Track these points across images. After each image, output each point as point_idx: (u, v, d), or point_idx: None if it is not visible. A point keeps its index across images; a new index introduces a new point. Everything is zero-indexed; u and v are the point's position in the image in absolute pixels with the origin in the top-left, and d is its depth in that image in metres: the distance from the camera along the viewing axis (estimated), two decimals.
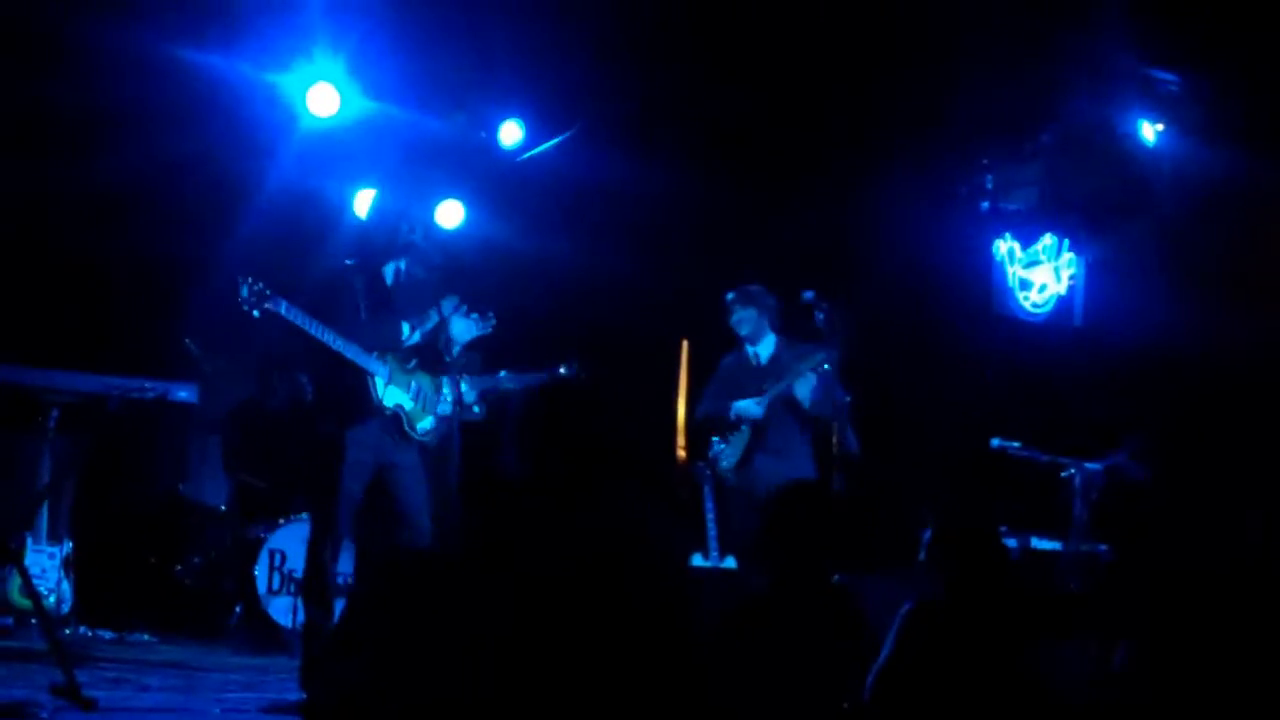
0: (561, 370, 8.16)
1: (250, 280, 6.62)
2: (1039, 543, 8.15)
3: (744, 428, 8.15)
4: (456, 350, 7.75)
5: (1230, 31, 8.48)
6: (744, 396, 8.14)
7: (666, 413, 8.79)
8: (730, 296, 8.28)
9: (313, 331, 6.83)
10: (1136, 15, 8.50)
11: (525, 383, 8.14)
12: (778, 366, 8.16)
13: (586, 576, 3.76)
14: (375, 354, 7.14)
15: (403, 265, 7.44)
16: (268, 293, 6.63)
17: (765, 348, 8.25)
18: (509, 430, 5.27)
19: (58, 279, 8.60)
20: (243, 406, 8.93)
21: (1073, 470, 8.12)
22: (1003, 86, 9.17)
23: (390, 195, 7.97)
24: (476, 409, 7.89)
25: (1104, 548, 8.04)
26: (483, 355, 8.21)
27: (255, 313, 6.64)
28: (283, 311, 6.69)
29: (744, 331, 8.25)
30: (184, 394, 8.33)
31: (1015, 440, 8.26)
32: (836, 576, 5.09)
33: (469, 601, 6.65)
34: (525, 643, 3.92)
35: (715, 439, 8.26)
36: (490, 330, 8.11)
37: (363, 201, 8.87)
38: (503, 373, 8.02)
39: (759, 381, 8.17)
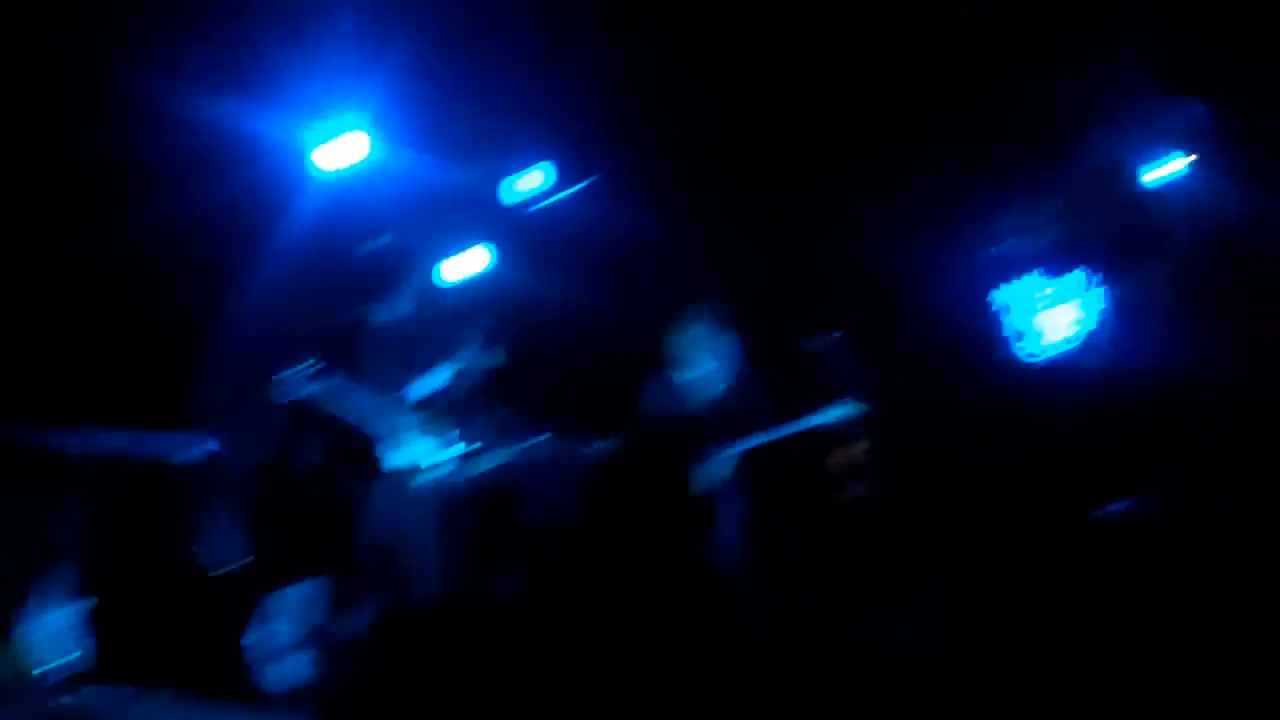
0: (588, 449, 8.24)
1: (291, 366, 6.81)
2: None
3: (731, 455, 8.05)
4: (474, 403, 7.82)
5: (1250, 67, 8.39)
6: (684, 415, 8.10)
7: None
8: (689, 310, 8.25)
9: (348, 400, 6.97)
10: (1156, 51, 8.42)
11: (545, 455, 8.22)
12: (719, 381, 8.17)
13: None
14: (395, 409, 7.21)
15: (416, 314, 7.51)
16: (314, 368, 6.81)
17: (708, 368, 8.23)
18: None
19: (78, 336, 8.63)
20: (265, 465, 8.95)
21: (1096, 514, 8.03)
22: (1024, 122, 9.11)
23: (408, 244, 8.03)
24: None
25: None
26: (505, 411, 8.26)
27: (303, 389, 6.83)
28: (326, 386, 6.86)
29: (684, 350, 8.21)
30: (199, 451, 8.35)
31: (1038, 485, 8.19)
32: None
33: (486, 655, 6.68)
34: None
35: None
36: (499, 362, 8.16)
37: (382, 249, 8.89)
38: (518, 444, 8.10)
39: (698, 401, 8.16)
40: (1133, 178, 9.53)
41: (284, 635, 8.15)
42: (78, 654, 7.83)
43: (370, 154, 8.90)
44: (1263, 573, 7.92)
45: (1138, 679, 6.85)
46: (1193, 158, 9.45)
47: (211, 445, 8.39)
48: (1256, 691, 6.57)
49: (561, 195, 9.93)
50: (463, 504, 7.81)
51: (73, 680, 7.49)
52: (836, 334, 7.63)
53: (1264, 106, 8.83)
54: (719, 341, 8.22)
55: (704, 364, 8.23)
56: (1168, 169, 9.43)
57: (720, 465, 8.05)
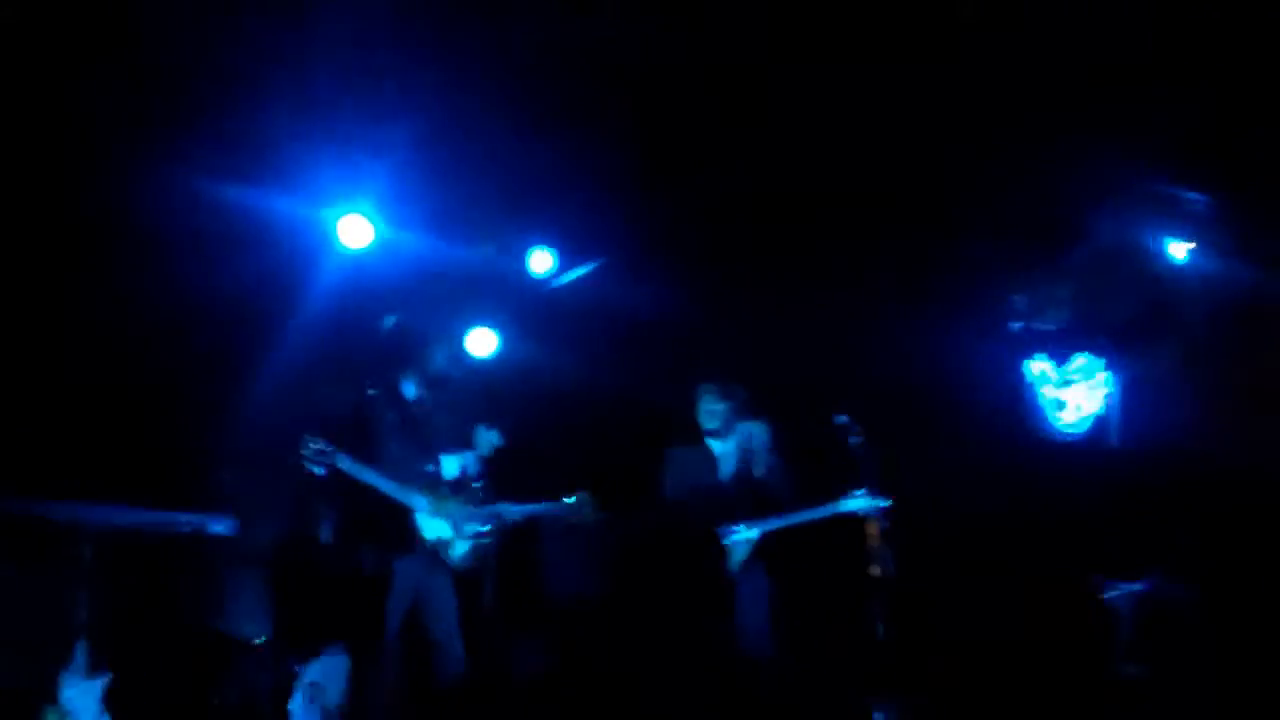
0: (567, 502, 8.25)
1: (311, 440, 6.89)
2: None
3: (754, 534, 8.10)
4: (481, 483, 7.84)
5: (1258, 152, 8.52)
6: (707, 492, 8.16)
7: None
8: (706, 386, 8.35)
9: (366, 479, 7.01)
10: (1164, 136, 8.54)
11: (527, 514, 8.22)
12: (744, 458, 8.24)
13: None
14: (413, 487, 7.23)
15: (429, 394, 7.54)
16: (329, 449, 6.89)
17: (732, 446, 8.30)
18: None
19: (91, 411, 8.61)
20: (285, 541, 8.93)
21: (1114, 593, 8.05)
22: (1033, 205, 9.21)
23: (418, 323, 8.06)
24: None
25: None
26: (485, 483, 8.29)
27: (320, 469, 6.90)
28: (343, 467, 6.93)
29: (711, 425, 8.30)
30: (219, 527, 8.31)
31: (1055, 561, 8.21)
32: None
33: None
34: None
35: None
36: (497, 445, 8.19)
37: (393, 327, 8.92)
38: (503, 504, 8.09)
39: (723, 477, 8.24)
40: (1142, 261, 9.65)
41: (308, 711, 8.10)
42: None
43: (382, 236, 8.94)
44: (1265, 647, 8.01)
45: None
46: (1194, 244, 9.59)
47: (231, 521, 8.35)
48: None
49: (574, 275, 9.97)
50: (484, 578, 7.80)
51: None
52: (853, 419, 7.66)
53: (1265, 194, 8.98)
54: (743, 421, 8.28)
55: (728, 443, 8.28)
56: (1175, 252, 9.55)
57: (742, 544, 8.08)
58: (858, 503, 7.77)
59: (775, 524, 8.07)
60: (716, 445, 8.31)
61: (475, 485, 7.86)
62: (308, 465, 6.99)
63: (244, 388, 8.88)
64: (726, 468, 8.28)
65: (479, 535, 7.64)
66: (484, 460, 8.27)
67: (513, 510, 8.13)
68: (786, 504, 8.05)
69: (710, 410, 8.26)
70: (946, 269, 9.64)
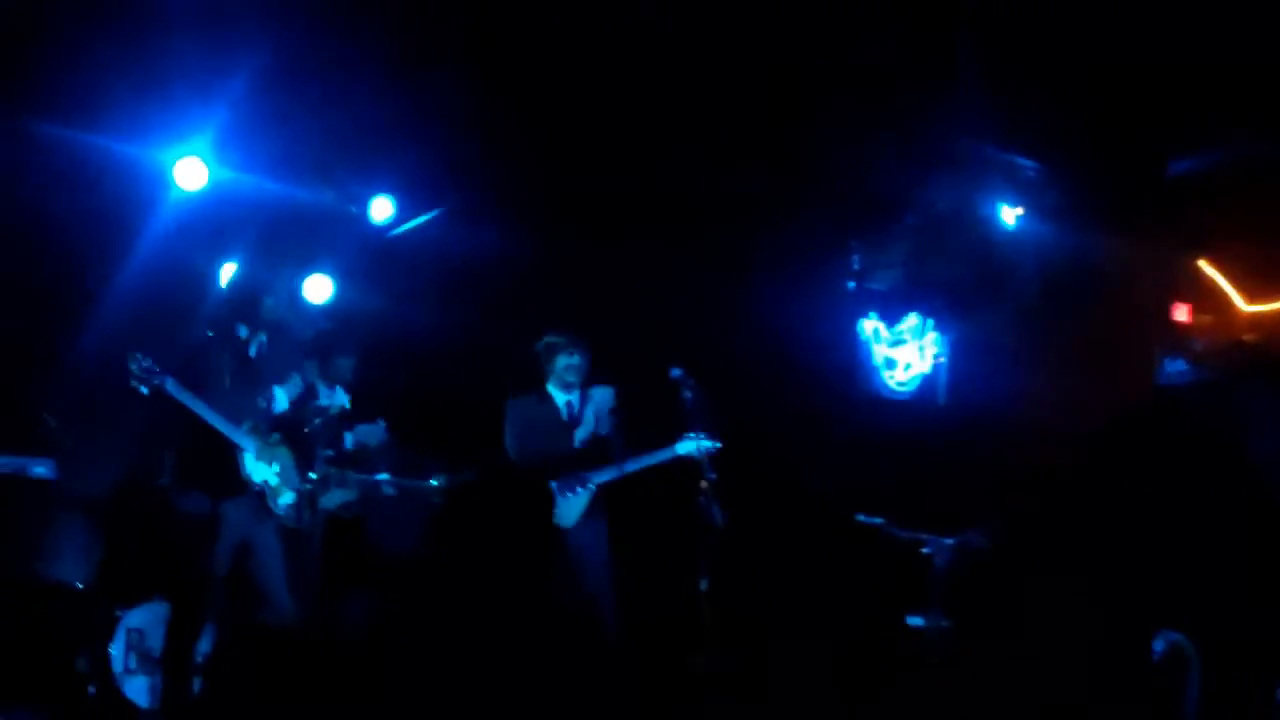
0: (433, 483, 8.25)
1: (139, 357, 6.78)
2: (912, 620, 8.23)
3: (591, 488, 8.19)
4: (317, 423, 7.78)
5: (1086, 119, 8.71)
6: (551, 444, 8.20)
7: None
8: (559, 339, 8.34)
9: (194, 408, 6.92)
10: (996, 102, 8.69)
11: (407, 487, 8.20)
12: (593, 421, 8.30)
13: None
14: (244, 428, 7.17)
15: (264, 338, 7.46)
16: (156, 369, 6.78)
17: (576, 398, 8.35)
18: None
19: None
20: (112, 484, 8.84)
21: (930, 547, 8.22)
22: (868, 168, 9.32)
23: (255, 268, 7.99)
24: (355, 508, 7.99)
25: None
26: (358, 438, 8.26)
27: (144, 389, 6.78)
28: (169, 389, 6.83)
29: (570, 378, 8.30)
30: (41, 469, 8.18)
31: (878, 516, 8.34)
32: None
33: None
34: None
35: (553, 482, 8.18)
36: (384, 437, 8.24)
37: (228, 274, 8.83)
38: (384, 476, 8.07)
39: (568, 430, 8.26)
40: (973, 225, 9.82)
41: (128, 657, 8.04)
42: None
43: (218, 179, 8.84)
44: (1088, 599, 8.25)
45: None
46: (1024, 209, 9.77)
47: (55, 465, 8.22)
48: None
49: (412, 224, 9.94)
50: (312, 528, 7.76)
51: None
52: (687, 372, 7.73)
53: (1094, 162, 9.19)
54: (595, 383, 8.34)
55: (574, 394, 8.31)
56: (1005, 217, 9.73)
57: (584, 495, 8.14)
58: (689, 445, 7.85)
59: (612, 474, 8.12)
60: (560, 395, 8.32)
61: (312, 435, 7.79)
62: (132, 383, 6.83)
63: (74, 331, 8.74)
64: (569, 418, 8.31)
65: (306, 486, 7.57)
66: (319, 406, 8.24)
67: (389, 485, 8.13)
68: (623, 457, 8.10)
69: (568, 363, 8.27)
70: (785, 229, 9.75)
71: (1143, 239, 9.25)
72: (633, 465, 8.14)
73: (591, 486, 8.17)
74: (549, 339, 8.36)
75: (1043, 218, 9.70)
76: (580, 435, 8.29)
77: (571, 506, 8.14)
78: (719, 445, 7.79)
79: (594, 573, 8.15)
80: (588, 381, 8.34)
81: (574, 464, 8.18)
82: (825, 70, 8.55)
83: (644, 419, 8.22)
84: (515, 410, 8.33)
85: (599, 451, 8.20)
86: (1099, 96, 8.51)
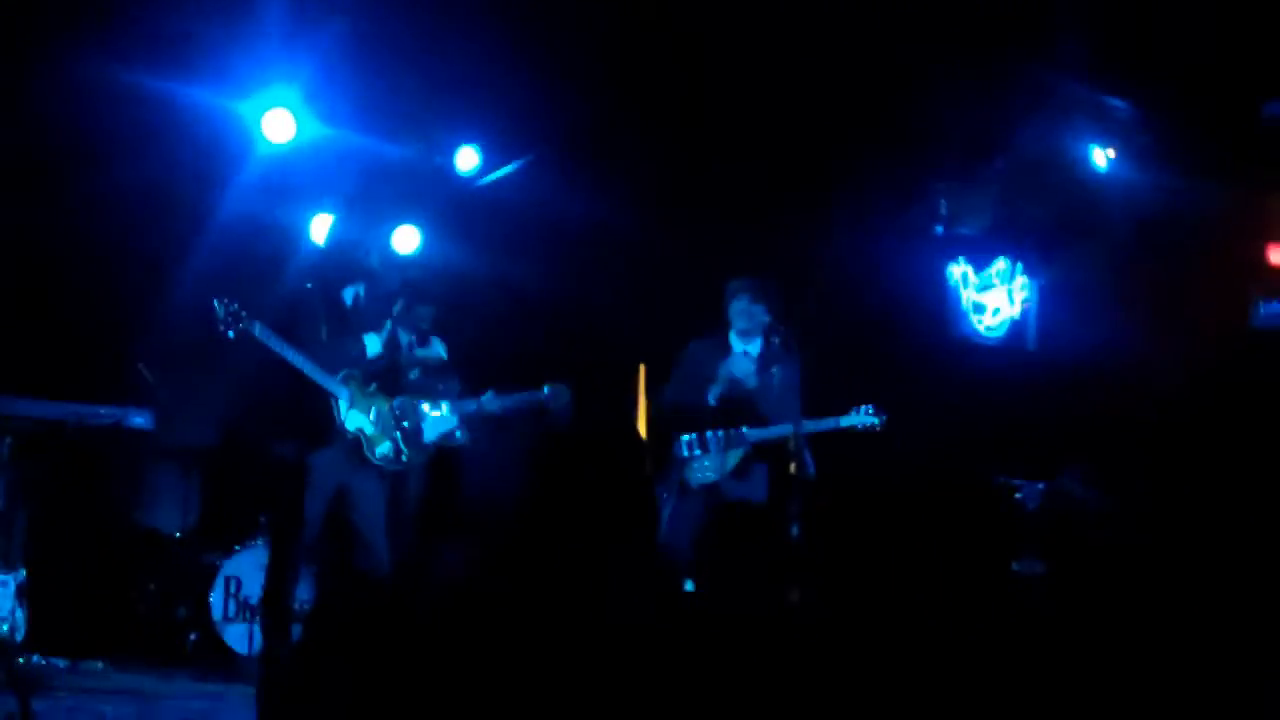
0: (545, 392, 8.11)
1: (226, 301, 6.77)
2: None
3: (747, 448, 7.92)
4: (415, 374, 7.79)
5: (1179, 58, 8.59)
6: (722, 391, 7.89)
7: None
8: (740, 283, 8.04)
9: (283, 353, 6.93)
10: (1089, 44, 8.59)
11: (510, 405, 8.15)
12: (768, 376, 7.93)
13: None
14: (338, 377, 7.18)
15: (361, 290, 7.48)
16: (243, 314, 6.79)
17: (755, 348, 8.01)
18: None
19: (10, 305, 8.55)
20: (206, 434, 8.95)
21: (1023, 492, 8.18)
22: (957, 112, 9.25)
23: (347, 221, 7.99)
24: (459, 434, 7.92)
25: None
26: (461, 380, 8.25)
27: (230, 333, 6.77)
28: (256, 333, 6.84)
29: (742, 325, 8.01)
30: (139, 420, 8.26)
31: (969, 461, 8.32)
32: None
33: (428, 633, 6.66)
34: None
35: (685, 437, 7.92)
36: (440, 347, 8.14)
37: (320, 227, 8.88)
38: (486, 395, 8.01)
39: (742, 383, 7.94)
40: (1063, 168, 9.72)
41: (227, 605, 8.14)
42: (10, 625, 7.76)
43: (306, 131, 8.89)
44: (1176, 556, 8.16)
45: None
46: (1115, 152, 9.66)
47: (151, 415, 8.30)
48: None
49: (499, 173, 9.95)
50: (409, 474, 7.80)
51: (7, 651, 7.40)
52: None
53: (1187, 103, 9.06)
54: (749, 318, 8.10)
55: (753, 344, 8.14)
56: (1098, 158, 9.62)
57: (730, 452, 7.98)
58: (854, 419, 7.78)
59: (776, 434, 7.79)
60: (738, 344, 8.18)
61: (402, 382, 7.79)
62: (220, 327, 6.81)
63: (166, 282, 8.83)
64: (742, 368, 8.03)
65: (402, 433, 7.60)
66: (409, 354, 8.26)
67: (488, 402, 8.06)
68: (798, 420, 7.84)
69: (743, 309, 8.07)
70: (872, 175, 9.68)
71: (1236, 181, 9.13)
72: (811, 427, 7.79)
73: (748, 445, 7.97)
74: (732, 282, 8.15)
75: (1135, 160, 9.58)
76: (753, 387, 8.04)
77: (724, 462, 7.98)
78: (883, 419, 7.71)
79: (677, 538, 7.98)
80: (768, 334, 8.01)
81: (733, 418, 7.92)
82: (912, 13, 8.48)
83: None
84: (690, 355, 8.14)
85: (751, 408, 7.92)
86: (1193, 36, 8.38)
